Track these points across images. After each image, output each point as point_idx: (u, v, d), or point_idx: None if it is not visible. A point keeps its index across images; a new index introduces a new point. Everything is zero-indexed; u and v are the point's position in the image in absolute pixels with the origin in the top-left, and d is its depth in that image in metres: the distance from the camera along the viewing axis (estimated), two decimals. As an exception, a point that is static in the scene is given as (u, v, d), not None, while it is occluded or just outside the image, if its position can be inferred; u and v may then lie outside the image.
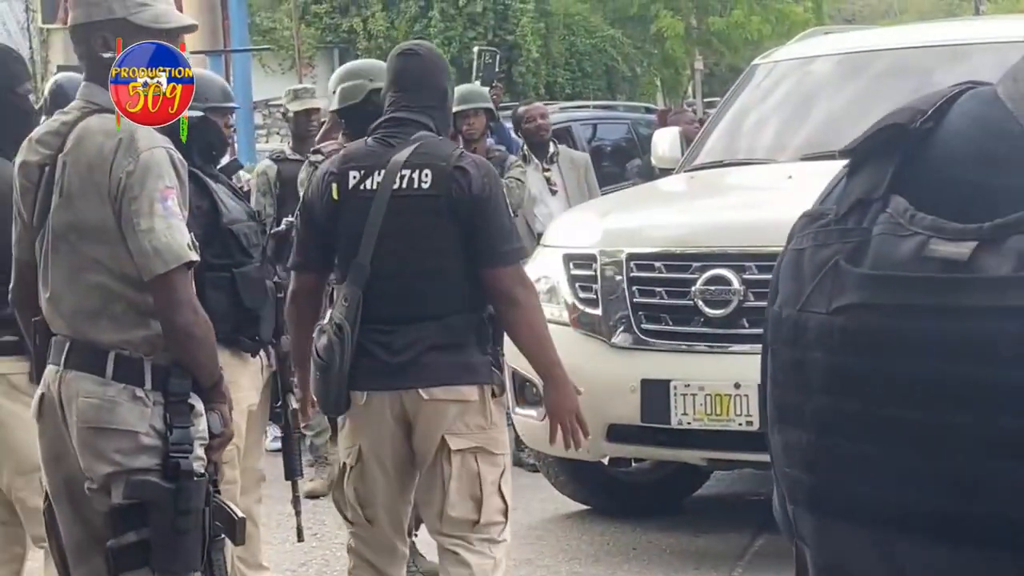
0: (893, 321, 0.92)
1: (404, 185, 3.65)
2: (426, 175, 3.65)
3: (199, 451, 3.11)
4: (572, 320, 5.50)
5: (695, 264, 5.20)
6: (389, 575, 3.88)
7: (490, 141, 7.41)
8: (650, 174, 8.74)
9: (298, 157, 6.30)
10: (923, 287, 0.91)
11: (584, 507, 6.02)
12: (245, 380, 4.41)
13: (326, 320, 3.73)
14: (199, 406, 3.14)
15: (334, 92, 5.01)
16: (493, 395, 3.71)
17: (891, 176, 0.96)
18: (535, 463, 6.20)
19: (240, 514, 3.24)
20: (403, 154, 3.68)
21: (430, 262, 3.64)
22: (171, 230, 3.03)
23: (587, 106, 14.87)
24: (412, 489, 3.78)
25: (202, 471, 3.09)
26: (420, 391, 3.63)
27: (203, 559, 3.11)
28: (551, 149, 8.06)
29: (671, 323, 5.23)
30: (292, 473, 4.70)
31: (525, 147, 8.05)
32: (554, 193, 7.95)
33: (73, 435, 3.10)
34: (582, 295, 5.51)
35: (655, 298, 5.28)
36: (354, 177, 3.71)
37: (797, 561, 1.07)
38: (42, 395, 3.18)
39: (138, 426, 3.06)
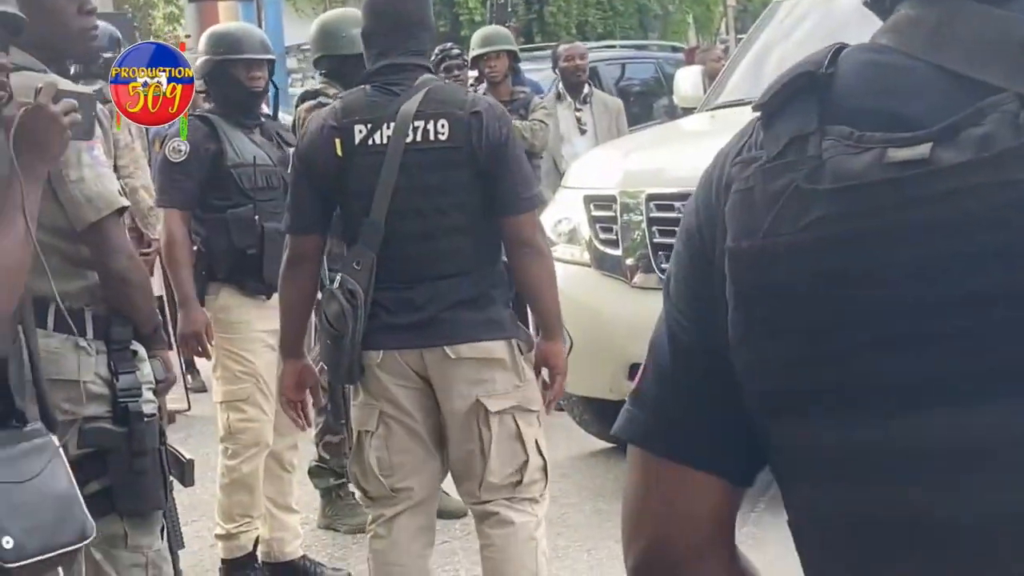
0: (867, 222, 0.99)
1: (418, 138, 3.44)
2: (443, 125, 3.44)
3: (148, 395, 3.14)
4: (593, 261, 5.54)
5: (714, 204, 5.21)
6: (419, 567, 3.61)
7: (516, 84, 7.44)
8: (675, 114, 8.74)
9: None
10: (891, 187, 0.99)
11: (608, 445, 6.09)
12: (256, 320, 4.51)
13: (335, 285, 3.48)
14: (142, 352, 3.17)
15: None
16: (520, 351, 3.54)
17: (818, 112, 1.04)
18: (560, 402, 6.27)
19: (188, 456, 3.29)
20: (412, 102, 3.46)
21: (450, 218, 3.44)
22: (100, 179, 3.05)
23: (614, 46, 14.78)
24: (441, 448, 3.57)
25: (152, 412, 3.12)
26: (446, 349, 3.45)
27: (166, 498, 3.17)
28: (585, 90, 8.12)
29: (691, 263, 5.25)
30: (338, 415, 4.82)
31: (560, 84, 8.13)
32: (583, 133, 7.99)
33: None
34: (602, 236, 5.55)
35: (675, 238, 5.29)
36: (360, 131, 3.46)
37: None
38: None
39: (84, 375, 3.09)
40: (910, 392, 1.00)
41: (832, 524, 1.07)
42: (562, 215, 5.77)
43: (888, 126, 1.01)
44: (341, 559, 5.02)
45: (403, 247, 3.44)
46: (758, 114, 1.09)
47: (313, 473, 5.35)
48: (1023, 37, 0.99)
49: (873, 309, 1.01)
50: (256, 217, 4.50)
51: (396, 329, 3.45)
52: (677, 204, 5.30)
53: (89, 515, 2.80)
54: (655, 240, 5.34)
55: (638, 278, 5.38)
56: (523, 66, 8.18)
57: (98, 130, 3.08)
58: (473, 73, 7.10)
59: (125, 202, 3.13)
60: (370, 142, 3.46)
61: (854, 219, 1.00)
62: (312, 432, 5.01)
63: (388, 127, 3.45)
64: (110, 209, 3.06)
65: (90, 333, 3.11)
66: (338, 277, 3.50)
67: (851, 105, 1.04)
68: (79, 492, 2.90)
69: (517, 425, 3.50)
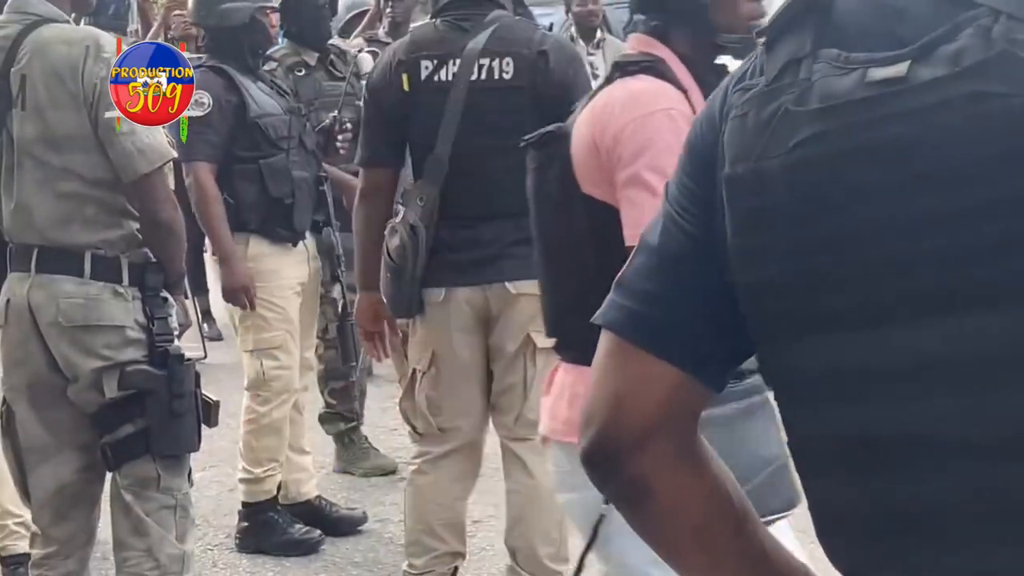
0: (848, 140, 1.02)
1: (483, 76, 3.41)
2: (507, 64, 3.41)
3: (178, 340, 3.21)
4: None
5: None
6: (456, 511, 3.64)
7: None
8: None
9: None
10: (871, 104, 1.01)
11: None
12: (286, 268, 4.57)
13: (398, 219, 3.47)
14: (171, 299, 3.24)
15: None
16: None
17: (812, 36, 1.07)
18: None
19: (214, 399, 3.35)
20: (479, 40, 3.42)
21: (513, 157, 3.29)
22: (151, 130, 3.09)
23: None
24: (489, 391, 3.57)
25: (188, 356, 3.19)
26: (508, 285, 3.44)
27: (199, 440, 3.24)
28: (598, 35, 8.06)
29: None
30: (347, 358, 4.86)
31: (573, 28, 8.06)
32: (596, 78, 7.95)
33: (51, 337, 3.17)
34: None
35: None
36: (426, 68, 3.45)
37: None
38: (7, 300, 3.23)
39: (124, 320, 3.15)
40: (906, 306, 1.01)
41: (829, 443, 1.08)
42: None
43: (880, 45, 1.03)
44: (357, 501, 5.09)
45: (466, 184, 3.41)
46: (762, 40, 1.12)
47: (323, 419, 5.42)
48: None
49: (858, 227, 1.02)
50: (287, 166, 4.54)
51: (459, 266, 3.44)
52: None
53: None
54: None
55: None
56: (535, 10, 8.13)
57: None
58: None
59: (175, 153, 3.20)
60: (436, 78, 3.44)
61: (836, 137, 1.02)
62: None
63: (454, 64, 3.42)
64: (162, 160, 3.12)
65: (126, 280, 3.17)
66: (401, 211, 3.49)
67: (848, 26, 1.07)
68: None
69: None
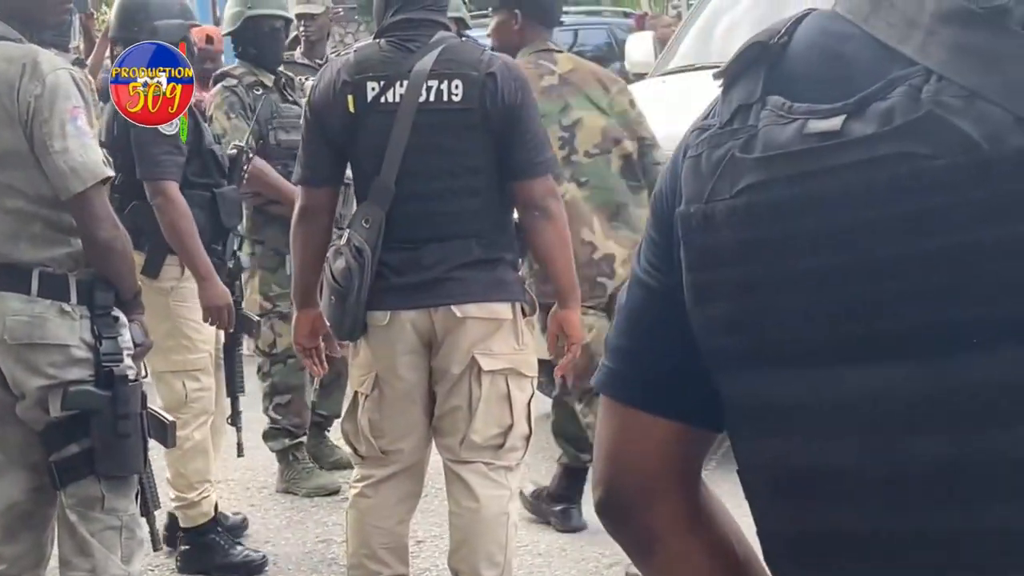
0: (786, 190, 1.05)
1: (431, 98, 3.38)
2: (456, 86, 3.39)
3: (128, 360, 3.19)
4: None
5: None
6: (398, 534, 3.61)
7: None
8: (627, 80, 8.76)
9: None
10: (807, 157, 1.04)
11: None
12: None
13: (343, 241, 3.45)
14: (123, 317, 3.21)
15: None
16: (524, 314, 3.51)
17: (763, 82, 1.10)
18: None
19: (170, 419, 3.32)
20: (426, 62, 3.40)
21: (461, 179, 3.39)
22: (85, 149, 3.07)
23: (567, 12, 14.80)
24: (431, 413, 3.55)
25: (135, 376, 3.17)
26: (454, 308, 3.41)
27: (145, 462, 3.22)
28: None
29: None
30: (232, 390, 4.80)
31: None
32: None
33: None
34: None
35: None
36: (373, 89, 3.41)
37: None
38: None
39: (69, 339, 3.14)
40: (828, 351, 1.04)
41: (774, 476, 1.12)
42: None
43: (826, 95, 1.05)
44: (300, 522, 5.08)
45: (413, 207, 3.39)
46: (719, 82, 1.15)
47: (267, 436, 5.40)
48: (936, 10, 1.02)
49: (793, 275, 1.05)
50: (240, 198, 4.55)
51: (403, 289, 3.42)
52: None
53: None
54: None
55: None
56: (474, 33, 8.16)
57: (80, 99, 3.11)
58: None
59: (109, 172, 3.16)
60: (383, 100, 3.41)
61: (776, 187, 1.05)
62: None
63: (401, 85, 3.40)
64: (95, 180, 3.09)
65: (74, 299, 3.15)
66: (346, 233, 3.47)
67: (797, 74, 1.09)
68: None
69: (508, 388, 3.48)
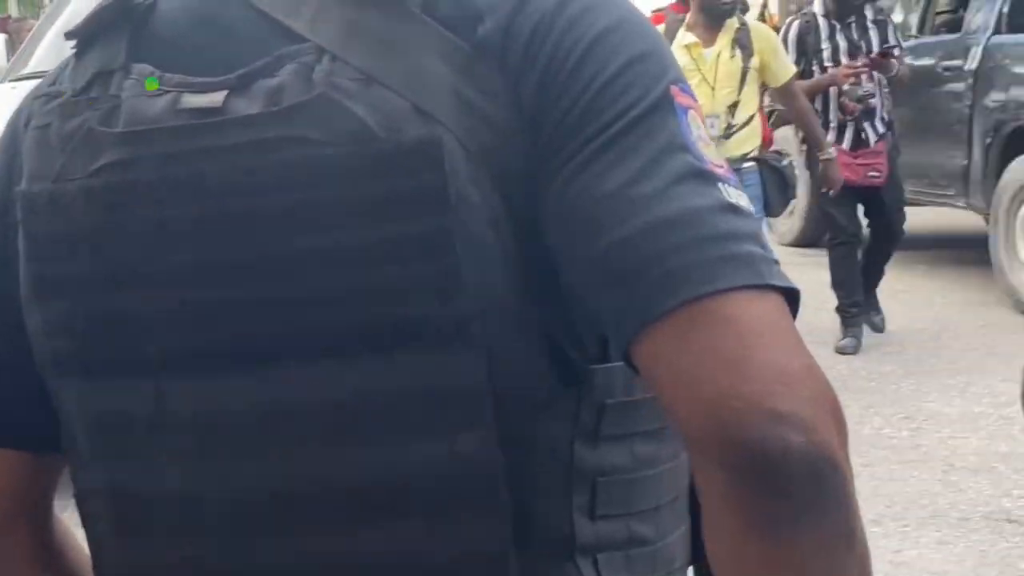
0: (155, 172, 0.93)
1: None
2: None
3: None
4: None
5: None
6: None
7: None
8: None
9: None
10: (181, 134, 0.93)
11: None
12: None
13: None
14: None
15: None
16: None
17: (126, 47, 0.98)
18: None
19: None
20: None
21: None
22: None
23: None
24: None
25: None
26: None
27: None
28: None
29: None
30: None
31: None
32: None
33: None
34: None
35: None
36: None
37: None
38: None
39: None
40: (183, 360, 0.94)
41: (104, 501, 0.99)
42: None
43: (204, 67, 0.95)
44: None
45: None
46: (72, 43, 1.01)
47: None
48: None
49: (152, 270, 0.94)
50: None
51: None
52: None
53: None
54: None
55: None
56: None
57: None
58: None
59: None
60: None
61: (142, 168, 0.93)
62: None
63: None
64: None
65: None
66: None
67: (170, 40, 0.98)
68: None
69: None
